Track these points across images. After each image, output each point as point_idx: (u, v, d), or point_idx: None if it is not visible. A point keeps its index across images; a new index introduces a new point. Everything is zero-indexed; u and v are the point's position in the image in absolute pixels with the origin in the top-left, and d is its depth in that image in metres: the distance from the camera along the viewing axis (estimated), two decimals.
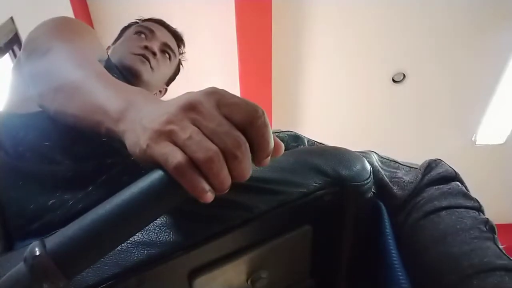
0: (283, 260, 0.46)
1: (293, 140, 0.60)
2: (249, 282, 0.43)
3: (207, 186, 0.29)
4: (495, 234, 0.47)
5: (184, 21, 2.24)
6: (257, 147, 0.31)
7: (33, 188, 0.54)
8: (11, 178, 0.56)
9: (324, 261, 0.49)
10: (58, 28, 0.63)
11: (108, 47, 0.94)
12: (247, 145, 0.30)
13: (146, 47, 0.83)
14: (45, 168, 0.55)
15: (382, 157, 0.62)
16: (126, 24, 0.98)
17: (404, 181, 0.54)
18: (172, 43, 0.93)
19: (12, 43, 1.57)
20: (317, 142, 0.64)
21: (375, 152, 0.62)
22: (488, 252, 0.43)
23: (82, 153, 0.56)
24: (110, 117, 0.37)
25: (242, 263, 0.42)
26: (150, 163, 0.31)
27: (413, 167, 0.59)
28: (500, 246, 0.45)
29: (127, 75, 0.80)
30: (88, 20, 2.18)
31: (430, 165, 0.55)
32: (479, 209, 0.49)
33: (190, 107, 0.30)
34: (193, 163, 0.29)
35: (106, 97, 0.40)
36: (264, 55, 2.18)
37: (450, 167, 0.55)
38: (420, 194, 0.52)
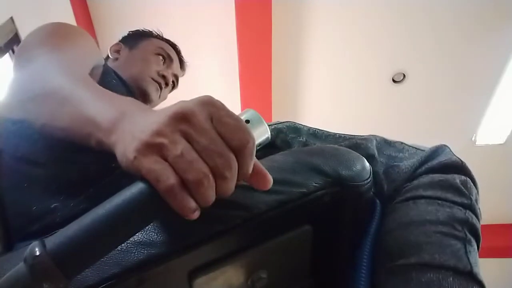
0: (283, 260, 0.46)
1: (292, 131, 0.59)
2: (249, 282, 0.43)
3: (194, 205, 0.29)
4: (475, 237, 0.44)
5: (184, 21, 2.24)
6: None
7: (37, 191, 0.54)
8: (15, 179, 0.56)
9: (324, 261, 0.49)
10: (49, 35, 0.62)
11: (118, 44, 0.93)
12: (237, 165, 0.30)
13: (163, 76, 0.89)
14: (49, 172, 0.55)
15: (386, 139, 0.60)
16: (139, 30, 0.99)
17: (397, 171, 0.52)
18: (179, 74, 1.00)
19: (12, 43, 1.57)
20: (318, 129, 0.62)
21: (378, 136, 0.60)
22: (446, 249, 0.41)
23: (84, 160, 0.56)
24: (101, 129, 0.36)
25: (242, 263, 0.42)
26: (136, 175, 0.30)
27: (419, 149, 0.56)
28: (471, 250, 0.42)
29: (135, 91, 0.82)
30: (88, 20, 2.18)
31: (435, 152, 0.53)
32: (468, 207, 0.46)
33: (182, 118, 0.29)
34: (182, 181, 0.29)
35: (97, 108, 0.39)
36: (264, 56, 2.18)
37: (455, 156, 0.52)
38: (412, 181, 0.50)
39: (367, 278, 0.44)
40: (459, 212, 0.45)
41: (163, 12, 2.09)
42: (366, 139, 0.57)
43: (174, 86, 0.99)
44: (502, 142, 2.60)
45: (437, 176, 0.49)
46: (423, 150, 0.54)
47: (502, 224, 2.96)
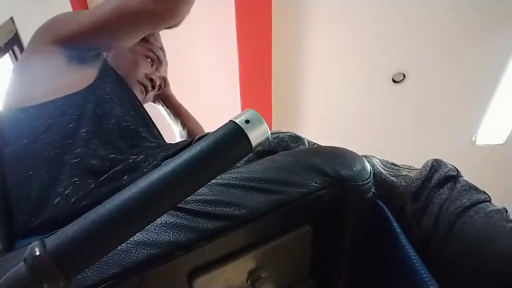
0: (283, 260, 0.46)
1: (294, 141, 0.60)
2: (249, 282, 0.43)
3: None
4: None
5: (184, 22, 2.24)
6: None
7: (39, 183, 0.55)
8: (18, 175, 0.57)
9: (324, 261, 0.49)
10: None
11: None
12: None
13: (151, 80, 0.91)
14: (51, 167, 0.56)
15: (382, 160, 0.62)
16: None
17: (410, 178, 0.55)
18: (166, 75, 1.02)
19: (12, 43, 1.57)
20: (317, 144, 0.64)
21: (374, 157, 0.62)
22: None
23: (85, 156, 0.57)
24: None
25: (242, 263, 0.42)
26: None
27: (412, 168, 0.59)
28: None
29: (126, 87, 0.83)
30: None
31: (434, 165, 0.55)
32: (490, 199, 0.51)
33: None
34: None
35: None
36: (264, 56, 2.18)
37: (451, 165, 0.56)
38: (435, 196, 0.52)
39: (429, 274, 0.44)
40: (494, 207, 0.49)
41: None
42: (366, 156, 0.59)
43: (161, 88, 1.01)
44: (502, 142, 2.59)
45: (457, 185, 0.52)
46: (416, 169, 0.57)
47: None
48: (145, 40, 0.96)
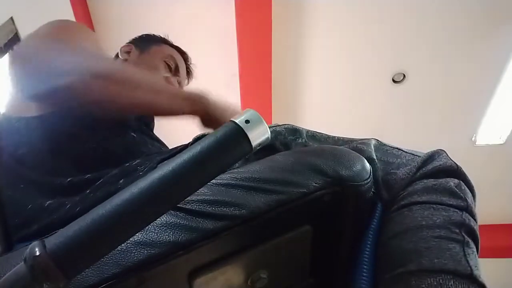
0: (283, 260, 0.46)
1: (291, 133, 0.59)
2: (249, 282, 0.43)
3: None
4: (472, 239, 0.43)
5: (184, 21, 2.24)
6: None
7: (32, 191, 0.55)
8: (12, 178, 0.57)
9: (324, 261, 0.49)
10: (55, 31, 0.62)
11: (129, 46, 0.92)
12: None
13: (169, 83, 0.90)
14: (44, 176, 0.56)
15: (384, 145, 0.59)
16: (150, 34, 1.01)
17: (394, 179, 0.52)
18: (184, 82, 1.01)
19: (12, 43, 1.57)
20: (316, 132, 0.62)
21: (376, 140, 0.59)
22: (445, 253, 0.40)
23: (79, 162, 0.57)
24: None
25: (242, 263, 0.42)
26: None
27: (416, 155, 0.55)
28: (470, 252, 0.41)
29: None
30: (88, 21, 2.17)
31: (431, 157, 0.52)
32: (464, 209, 0.45)
33: None
34: None
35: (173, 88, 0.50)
36: (264, 55, 2.18)
37: (451, 160, 0.51)
38: (406, 188, 0.50)
39: (369, 278, 0.44)
40: (455, 215, 0.44)
41: (163, 12, 2.09)
42: (365, 143, 0.57)
43: None
44: (502, 142, 2.59)
45: (431, 181, 0.48)
46: (420, 156, 0.54)
47: (502, 224, 2.97)
48: (165, 44, 0.96)
